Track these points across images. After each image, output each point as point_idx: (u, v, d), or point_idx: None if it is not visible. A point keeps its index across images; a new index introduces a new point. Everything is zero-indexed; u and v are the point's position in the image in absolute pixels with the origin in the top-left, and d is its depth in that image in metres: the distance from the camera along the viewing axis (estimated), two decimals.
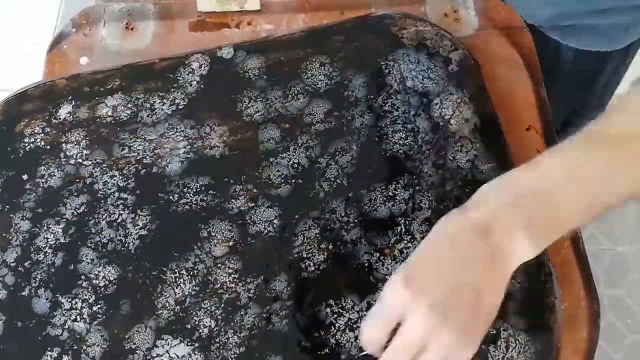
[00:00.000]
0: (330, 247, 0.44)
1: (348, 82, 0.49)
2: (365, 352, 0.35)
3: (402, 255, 0.43)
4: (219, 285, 0.43)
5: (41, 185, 0.46)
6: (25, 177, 0.47)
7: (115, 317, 0.42)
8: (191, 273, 0.43)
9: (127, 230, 0.45)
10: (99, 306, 0.42)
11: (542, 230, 0.34)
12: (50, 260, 0.44)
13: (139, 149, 0.47)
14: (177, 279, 0.43)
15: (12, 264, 0.44)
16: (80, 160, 0.47)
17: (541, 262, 0.45)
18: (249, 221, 0.45)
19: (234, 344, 0.41)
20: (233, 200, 0.45)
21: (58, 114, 0.49)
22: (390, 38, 0.51)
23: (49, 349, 0.41)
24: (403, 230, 0.44)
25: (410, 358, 0.32)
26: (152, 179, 0.46)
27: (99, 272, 0.43)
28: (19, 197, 0.46)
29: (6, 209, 0.46)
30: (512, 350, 0.41)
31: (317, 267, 0.43)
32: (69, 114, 0.49)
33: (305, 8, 0.56)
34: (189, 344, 0.41)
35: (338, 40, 0.51)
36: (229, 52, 0.51)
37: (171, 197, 0.45)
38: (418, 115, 0.48)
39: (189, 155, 0.47)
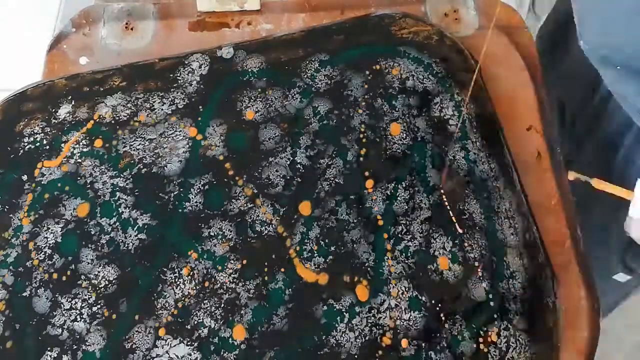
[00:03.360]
0: (331, 247, 0.44)
1: (348, 82, 0.49)
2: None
3: (402, 255, 0.43)
4: (218, 285, 0.43)
5: (41, 185, 0.46)
6: (24, 177, 0.46)
7: (115, 317, 0.42)
8: (191, 273, 0.43)
9: (127, 230, 0.44)
10: (99, 306, 0.42)
11: None
12: (50, 260, 0.44)
13: (138, 149, 0.47)
14: (177, 279, 0.43)
15: (11, 264, 0.44)
16: (80, 160, 0.47)
17: (542, 263, 0.45)
18: (249, 221, 0.45)
19: (234, 344, 0.41)
20: (233, 201, 0.45)
21: (58, 113, 0.49)
22: (390, 38, 0.51)
23: (48, 348, 0.41)
24: (403, 230, 0.44)
25: None
26: (152, 178, 0.46)
27: (99, 272, 0.43)
28: (18, 197, 0.46)
29: (6, 209, 0.45)
30: (512, 351, 0.41)
31: (317, 267, 0.43)
32: (68, 114, 0.49)
33: (305, 8, 0.56)
34: (188, 344, 0.41)
35: (338, 40, 0.51)
36: (228, 52, 0.51)
37: (171, 197, 0.45)
38: (418, 115, 0.48)
39: (189, 155, 0.47)
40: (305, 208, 0.45)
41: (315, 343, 0.41)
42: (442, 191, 0.45)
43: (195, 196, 0.45)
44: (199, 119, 0.48)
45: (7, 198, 0.46)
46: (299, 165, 0.46)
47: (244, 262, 0.43)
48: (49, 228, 0.45)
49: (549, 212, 0.48)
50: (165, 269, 0.43)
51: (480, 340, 0.41)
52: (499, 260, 0.44)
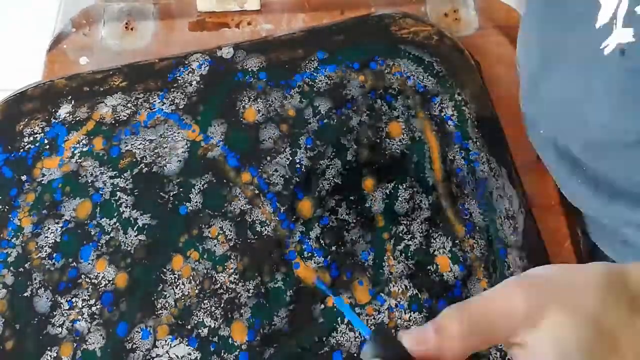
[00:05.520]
0: (331, 247, 0.44)
1: (347, 82, 0.49)
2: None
3: (403, 255, 0.43)
4: (218, 285, 0.43)
5: (41, 185, 0.46)
6: (24, 177, 0.46)
7: (115, 317, 0.42)
8: (191, 273, 0.43)
9: (127, 230, 0.44)
10: (99, 306, 0.42)
11: None
12: (51, 260, 0.44)
13: (139, 149, 0.47)
14: (177, 279, 0.43)
15: (12, 264, 0.44)
16: (80, 160, 0.47)
17: (542, 263, 0.45)
18: (249, 221, 0.45)
19: (234, 344, 0.41)
20: (233, 201, 0.45)
21: (58, 113, 0.49)
22: (390, 38, 0.51)
23: (48, 348, 0.41)
24: (404, 230, 0.44)
25: None
26: (152, 178, 0.46)
27: (99, 272, 0.43)
28: (18, 197, 0.46)
29: (5, 209, 0.45)
30: None
31: (317, 266, 0.43)
32: (68, 114, 0.49)
33: (305, 8, 0.56)
34: (188, 344, 0.41)
35: (338, 40, 0.51)
36: (228, 52, 0.51)
37: (171, 197, 0.45)
38: (418, 115, 0.48)
39: (188, 155, 0.47)
40: (305, 208, 0.45)
41: (315, 343, 0.41)
42: (441, 191, 0.45)
43: (195, 196, 0.45)
44: (199, 118, 0.48)
45: (7, 198, 0.46)
46: (298, 165, 0.46)
47: (244, 262, 0.43)
48: (49, 228, 0.45)
49: (549, 212, 0.48)
50: (165, 269, 0.43)
51: None
52: (499, 260, 0.44)
